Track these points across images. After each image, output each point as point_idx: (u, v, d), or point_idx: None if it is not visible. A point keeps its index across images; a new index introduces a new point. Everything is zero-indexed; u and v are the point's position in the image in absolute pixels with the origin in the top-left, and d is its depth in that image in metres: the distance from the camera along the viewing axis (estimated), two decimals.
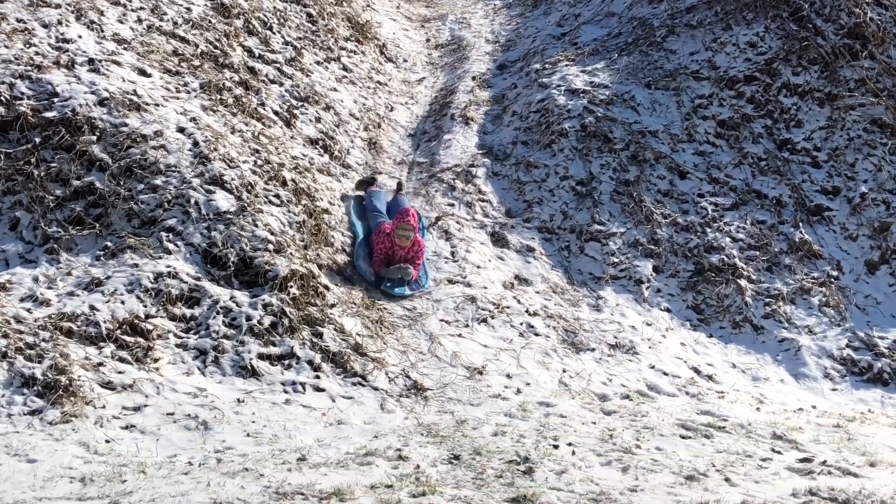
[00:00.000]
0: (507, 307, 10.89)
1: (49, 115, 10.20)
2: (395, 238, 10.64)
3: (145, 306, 9.00)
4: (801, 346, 11.42)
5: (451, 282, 11.06)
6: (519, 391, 9.44)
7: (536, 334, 10.59)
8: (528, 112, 14.21)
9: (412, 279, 10.75)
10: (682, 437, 8.79)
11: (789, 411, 10.07)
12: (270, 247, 9.90)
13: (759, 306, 11.84)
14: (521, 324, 10.67)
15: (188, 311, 9.14)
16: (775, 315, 11.76)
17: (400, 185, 12.39)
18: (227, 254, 9.71)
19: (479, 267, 11.41)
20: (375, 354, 9.44)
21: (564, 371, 10.08)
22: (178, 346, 8.79)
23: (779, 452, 8.66)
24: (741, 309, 11.75)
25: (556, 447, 8.22)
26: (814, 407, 10.35)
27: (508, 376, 9.75)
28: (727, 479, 7.87)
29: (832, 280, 12.27)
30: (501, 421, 8.77)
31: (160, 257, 9.54)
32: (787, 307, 11.88)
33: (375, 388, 9.04)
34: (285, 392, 8.63)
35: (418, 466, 7.50)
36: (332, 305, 9.88)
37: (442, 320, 10.43)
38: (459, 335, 10.23)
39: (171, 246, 9.69)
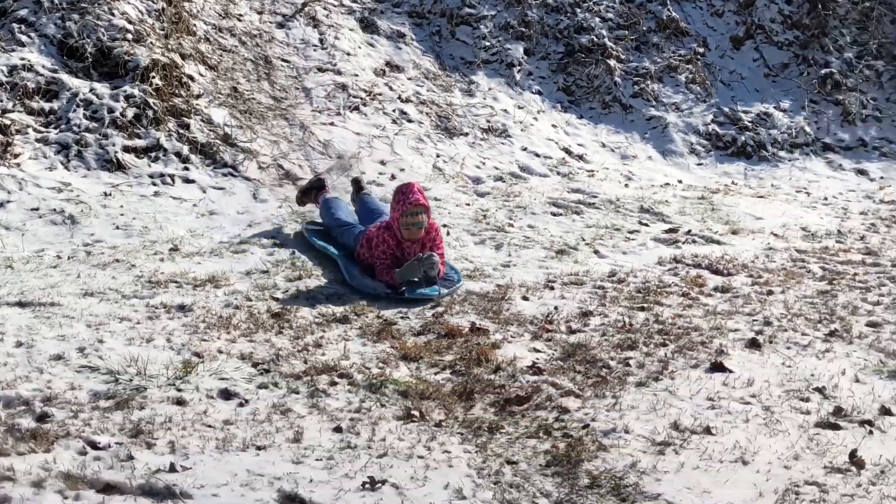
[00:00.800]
0: (379, 94, 10.75)
1: None
2: (402, 231, 6.97)
3: (1, 101, 8.63)
4: (668, 123, 11.62)
5: (320, 70, 10.83)
6: (393, 177, 9.44)
7: (409, 121, 10.52)
8: None
9: (440, 274, 6.97)
10: (554, 215, 8.96)
11: (656, 186, 10.32)
12: (129, 36, 9.50)
13: (628, 86, 11.95)
14: (394, 111, 10.57)
15: (47, 105, 8.80)
16: (643, 94, 11.89)
17: (359, 183, 8.26)
18: (83, 45, 9.30)
19: (348, 54, 11.18)
20: (246, 145, 9.29)
21: (438, 156, 10.09)
22: (38, 140, 8.48)
23: (646, 225, 8.91)
24: (610, 89, 11.84)
25: None
26: (680, 181, 10.63)
27: (382, 163, 9.72)
28: (596, 252, 8.10)
29: (698, 57, 12.41)
30: None
31: (13, 50, 9.10)
32: (654, 85, 12.01)
33: (247, 179, 8.93)
34: (154, 185, 8.46)
35: (294, 252, 7.51)
36: (198, 96, 9.62)
37: (314, 110, 10.27)
38: (332, 124, 10.10)
39: (24, 38, 9.23)
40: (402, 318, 6.45)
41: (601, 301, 6.90)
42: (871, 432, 5.04)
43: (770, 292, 7.25)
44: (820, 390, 5.53)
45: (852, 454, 4.73)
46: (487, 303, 6.75)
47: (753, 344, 6.19)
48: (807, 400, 5.42)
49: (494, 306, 6.68)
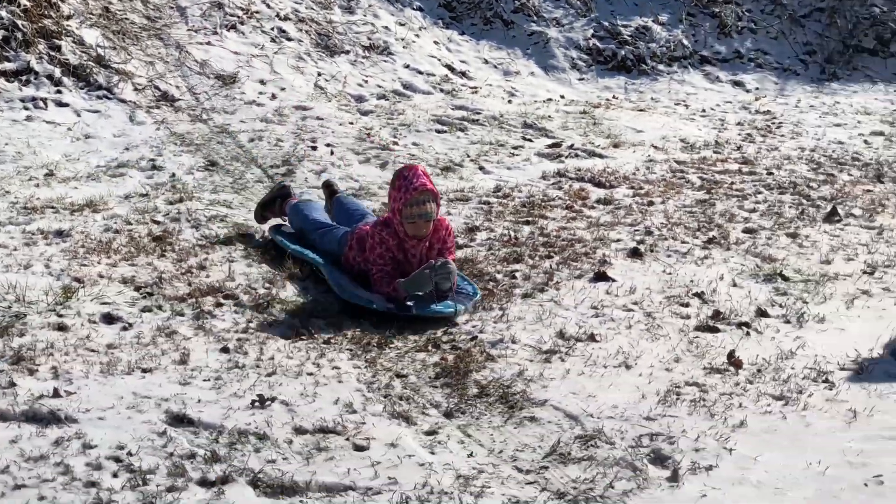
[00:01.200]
0: (257, 12, 10.53)
1: None
2: (405, 226, 5.44)
3: None
4: (549, 38, 11.65)
5: None
6: (274, 97, 9.30)
7: (289, 39, 10.34)
8: None
9: (454, 285, 5.37)
10: (438, 132, 8.94)
11: (539, 102, 10.36)
12: None
13: (509, 1, 11.91)
14: (273, 29, 10.38)
15: None
16: (524, 9, 11.88)
17: (332, 186, 6.71)
18: None
19: None
20: (120, 66, 9.02)
21: (319, 74, 9.96)
22: None
23: (529, 140, 8.96)
24: (491, 4, 11.79)
25: (314, 148, 8.23)
26: (562, 97, 10.69)
27: (262, 82, 9.56)
28: (481, 168, 8.12)
29: None
30: (258, 127, 8.66)
31: None
32: (535, 0, 12.00)
33: (123, 101, 8.69)
34: (26, 109, 8.18)
35: (174, 175, 7.37)
36: (69, 17, 9.29)
37: (189, 29, 10.01)
38: (208, 43, 9.87)
39: None
40: None
41: (487, 216, 6.94)
42: (748, 334, 5.20)
43: (651, 203, 7.38)
44: (699, 295, 5.67)
45: (730, 355, 4.88)
46: None
47: (635, 253, 6.31)
48: (687, 305, 5.56)
49: None
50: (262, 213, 6.49)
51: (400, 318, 5.24)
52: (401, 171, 5.58)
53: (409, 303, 5.31)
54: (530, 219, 6.90)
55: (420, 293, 5.30)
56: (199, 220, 6.54)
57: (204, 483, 3.65)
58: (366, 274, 5.58)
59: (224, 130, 8.55)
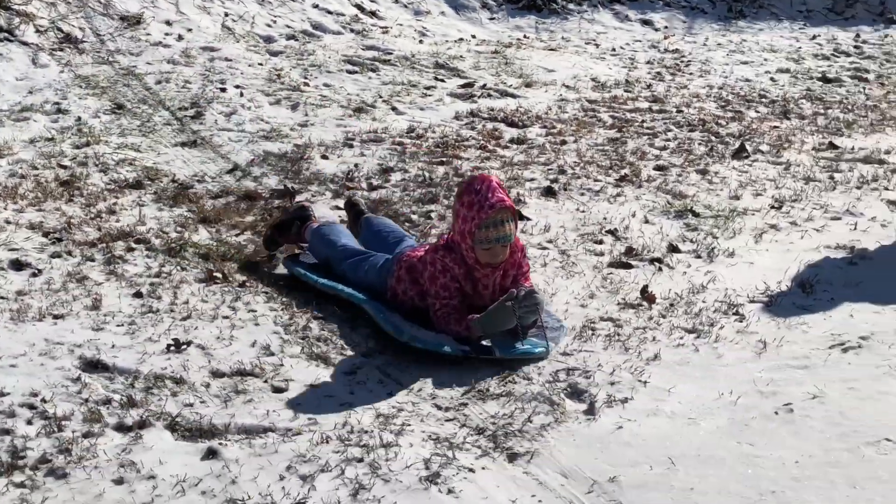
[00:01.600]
0: None
1: None
2: (479, 252, 4.39)
3: None
4: None
5: None
6: (181, 38, 9.11)
7: None
8: None
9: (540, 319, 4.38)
10: (349, 73, 8.86)
11: (451, 42, 10.31)
12: None
13: None
14: None
15: None
16: None
17: (357, 206, 5.49)
18: None
19: None
20: (21, 7, 8.75)
21: (227, 15, 9.77)
22: None
23: (442, 80, 8.92)
24: None
25: (223, 90, 8.09)
26: (473, 36, 10.65)
27: (168, 23, 9.35)
28: (394, 109, 8.07)
29: None
30: (165, 69, 8.49)
31: None
32: None
33: (25, 43, 8.44)
34: None
35: (79, 118, 7.19)
36: None
37: None
38: None
39: None
40: (198, 181, 6.30)
41: (401, 157, 6.91)
42: (660, 269, 5.28)
43: (563, 142, 7.42)
44: (612, 232, 5.73)
45: (643, 290, 4.95)
46: (286, 163, 6.66)
47: (549, 192, 6.34)
48: (600, 242, 5.61)
49: (294, 166, 6.60)
50: (275, 238, 5.26)
51: (487, 361, 4.25)
52: (470, 184, 4.43)
53: (485, 342, 4.31)
54: (444, 159, 6.89)
55: (502, 329, 4.28)
56: (108, 164, 6.41)
57: (121, 428, 3.61)
58: (419, 310, 4.55)
59: (130, 73, 8.37)
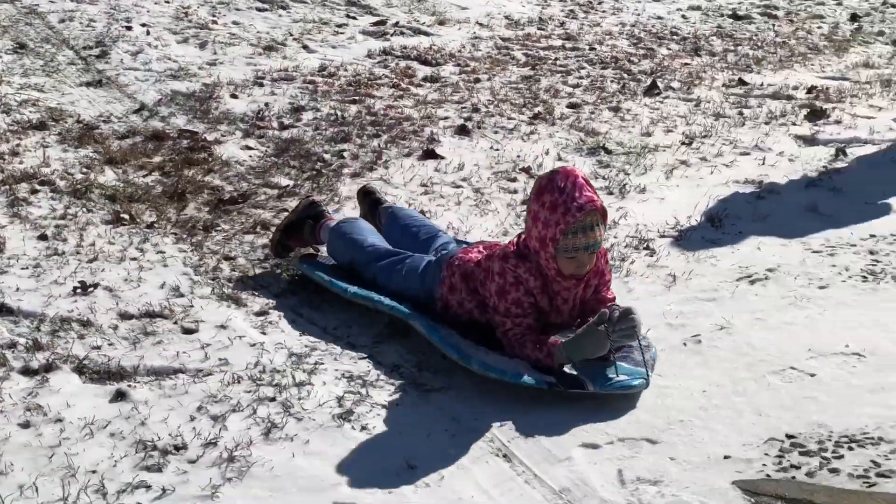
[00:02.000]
0: None
1: None
2: (563, 261, 3.63)
3: None
4: None
5: None
6: None
7: None
8: None
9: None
10: (259, 10, 8.71)
11: None
12: None
13: None
14: None
15: None
16: None
17: (373, 194, 4.78)
18: None
19: None
20: None
21: None
22: None
23: (353, 18, 8.82)
24: None
25: (129, 28, 7.90)
26: None
27: None
28: (305, 47, 7.96)
29: None
30: (68, 7, 8.27)
31: None
32: None
33: None
34: None
35: None
36: None
37: None
38: None
39: None
40: (104, 121, 6.15)
41: (313, 96, 6.82)
42: None
43: (477, 80, 7.39)
44: (526, 170, 5.73)
45: None
46: (195, 102, 6.53)
47: (463, 130, 6.32)
48: (514, 180, 5.61)
49: (203, 106, 6.48)
50: (284, 243, 4.55)
51: (575, 395, 3.53)
52: (552, 180, 3.64)
53: (570, 370, 3.61)
54: (357, 98, 6.82)
55: (593, 356, 3.57)
56: (10, 104, 6.24)
57: (27, 372, 3.53)
58: (476, 325, 3.88)
59: (32, 11, 8.13)
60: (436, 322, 3.88)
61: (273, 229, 4.68)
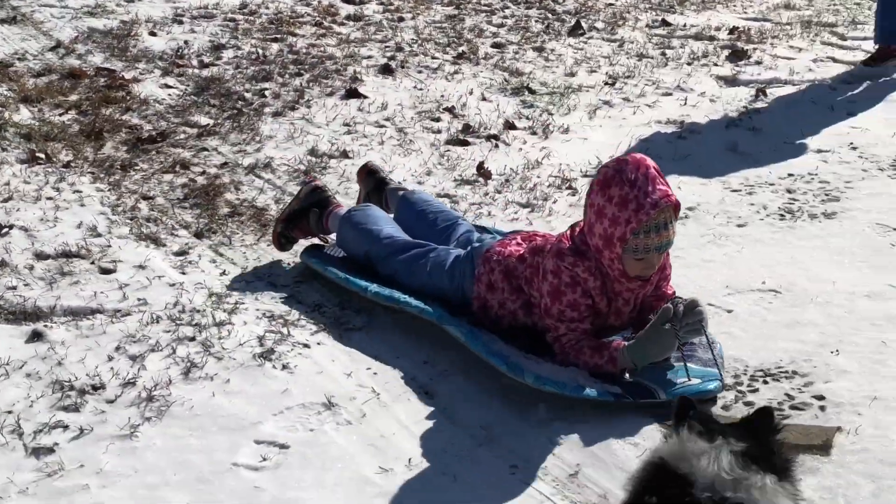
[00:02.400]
0: None
1: None
2: (629, 262, 3.21)
3: None
4: None
5: None
6: None
7: None
8: None
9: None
10: None
11: None
12: None
13: None
14: None
15: None
16: None
17: (377, 172, 4.28)
18: None
19: None
20: None
21: None
22: None
23: None
24: None
25: None
26: None
27: None
28: None
29: None
30: None
31: None
32: None
33: None
34: None
35: None
36: None
37: None
38: None
39: None
40: (18, 59, 6.00)
41: (233, 34, 6.71)
42: (496, 146, 5.30)
43: (401, 19, 7.32)
44: (450, 110, 5.71)
45: (480, 166, 4.96)
46: (112, 40, 6.39)
47: (386, 70, 6.26)
48: (438, 120, 5.59)
49: (120, 44, 6.35)
50: (287, 233, 4.08)
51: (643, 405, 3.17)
52: (620, 171, 3.20)
53: (635, 378, 3.24)
54: (279, 36, 6.72)
55: (660, 358, 3.26)
56: None
57: None
58: (520, 326, 3.48)
59: None
60: (476, 328, 3.45)
61: (273, 223, 4.17)
